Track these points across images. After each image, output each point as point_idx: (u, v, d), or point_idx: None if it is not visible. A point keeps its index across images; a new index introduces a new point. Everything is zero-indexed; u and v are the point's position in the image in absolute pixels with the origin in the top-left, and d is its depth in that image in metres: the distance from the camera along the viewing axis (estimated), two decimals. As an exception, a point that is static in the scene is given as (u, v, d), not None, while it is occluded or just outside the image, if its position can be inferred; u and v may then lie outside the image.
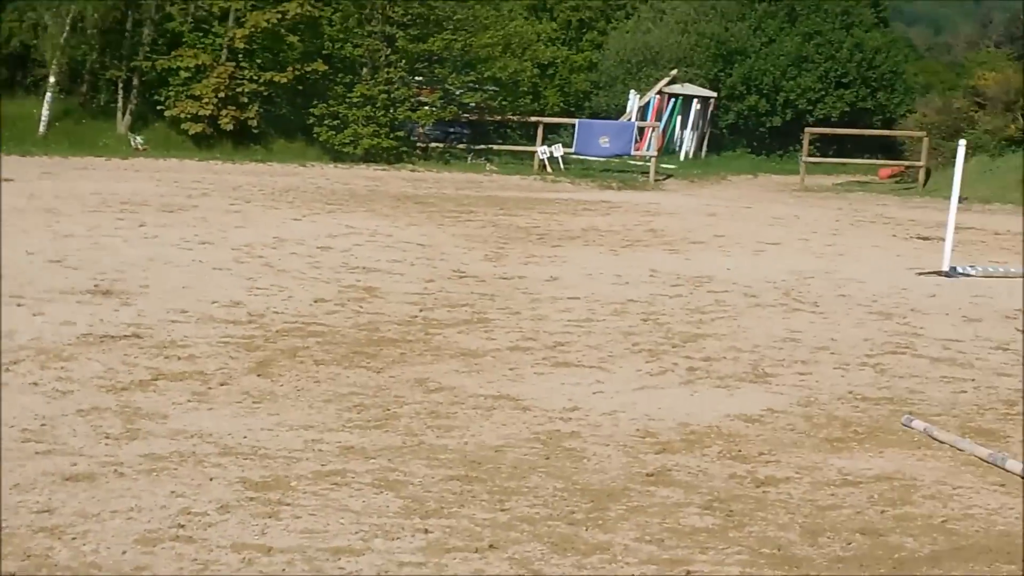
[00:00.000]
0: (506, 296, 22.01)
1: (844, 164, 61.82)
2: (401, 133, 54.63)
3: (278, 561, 9.23)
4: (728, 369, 17.02)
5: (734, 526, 10.91)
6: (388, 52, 55.05)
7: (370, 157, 52.85)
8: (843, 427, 14.31)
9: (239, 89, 51.85)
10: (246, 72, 52.17)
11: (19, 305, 18.24)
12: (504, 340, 18.29)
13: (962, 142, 29.93)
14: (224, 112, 51.60)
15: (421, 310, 20.36)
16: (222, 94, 51.40)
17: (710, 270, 25.91)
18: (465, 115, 57.80)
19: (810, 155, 58.12)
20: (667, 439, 13.54)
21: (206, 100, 51.16)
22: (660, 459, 12.82)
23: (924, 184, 54.90)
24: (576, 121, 58.60)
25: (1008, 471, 12.69)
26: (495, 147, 58.61)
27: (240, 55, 52.59)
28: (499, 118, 58.91)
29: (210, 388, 14.56)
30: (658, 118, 61.99)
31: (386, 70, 54.67)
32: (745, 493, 11.87)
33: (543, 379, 16.02)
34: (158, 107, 52.16)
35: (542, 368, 16.65)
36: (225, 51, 52.40)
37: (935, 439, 13.81)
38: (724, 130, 65.74)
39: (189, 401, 13.93)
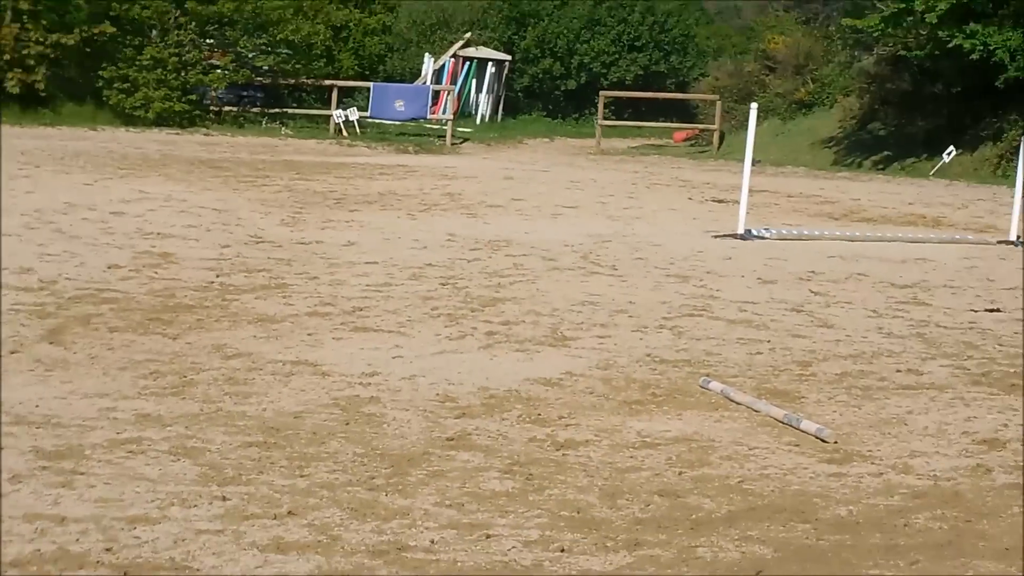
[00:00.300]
0: (303, 261, 21.92)
1: (639, 127, 62.42)
2: (193, 97, 54.01)
3: (72, 531, 9.10)
4: (527, 333, 17.12)
5: (534, 489, 10.98)
6: (177, 14, 54.36)
7: (162, 121, 52.23)
8: (642, 389, 14.47)
9: (25, 51, 50.82)
10: (32, 34, 51.13)
11: None
12: (302, 305, 18.21)
13: (754, 105, 30.34)
14: (10, 75, 50.60)
15: (218, 276, 20.19)
16: (7, 56, 50.39)
17: (508, 234, 26.03)
18: (258, 79, 57.34)
19: (605, 118, 58.62)
20: (467, 403, 13.58)
21: (-9, 62, 50.20)
22: (460, 423, 12.86)
23: (718, 147, 55.61)
24: (371, 85, 58.42)
25: (803, 431, 12.93)
26: (290, 111, 58.20)
27: (25, 16, 51.52)
28: (293, 82, 58.51)
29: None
30: (453, 81, 62.01)
31: (176, 32, 54.02)
32: (545, 456, 11.95)
33: (342, 344, 15.99)
34: (-60, 70, 51.01)
35: (341, 333, 16.61)
36: (9, 12, 51.32)
37: (732, 400, 14.03)
38: (519, 93, 65.95)
39: (-22, 371, 13.68)
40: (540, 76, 65.29)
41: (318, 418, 12.66)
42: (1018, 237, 28.38)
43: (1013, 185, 30.34)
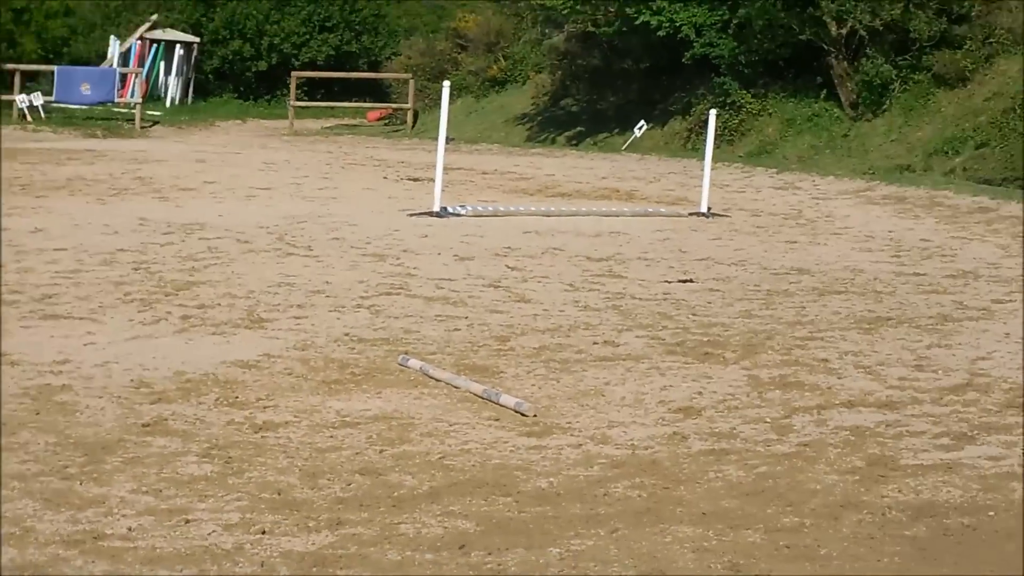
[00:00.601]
0: (-11, 249, 21.37)
1: (332, 107, 62.13)
2: None
3: None
4: (223, 316, 16.95)
5: (233, 472, 10.90)
6: None
7: None
8: (340, 369, 14.45)
9: None
10: None
11: None
12: (-12, 295, 17.76)
13: (446, 83, 30.48)
14: None
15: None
16: None
17: (202, 217, 25.74)
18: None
19: (298, 99, 58.24)
20: (162, 388, 13.40)
21: None
22: (156, 409, 12.67)
23: (412, 126, 55.75)
24: (55, 68, 57.11)
25: (502, 406, 13.05)
26: (-31, 97, 56.65)
27: None
28: (-29, 67, 56.96)
29: None
30: (141, 64, 61.04)
31: None
32: (244, 439, 11.86)
33: (31, 332, 15.61)
34: None
35: (29, 321, 16.22)
36: None
37: (431, 377, 14.09)
38: (210, 75, 65.14)
39: None
40: (230, 58, 64.57)
41: (8, 408, 12.35)
42: (708, 209, 29.01)
43: (702, 158, 31.00)
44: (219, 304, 17.67)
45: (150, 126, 52.78)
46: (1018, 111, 36.72)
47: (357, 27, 66.89)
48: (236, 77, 65.43)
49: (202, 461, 11.18)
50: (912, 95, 40.81)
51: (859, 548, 9.61)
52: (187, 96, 62.99)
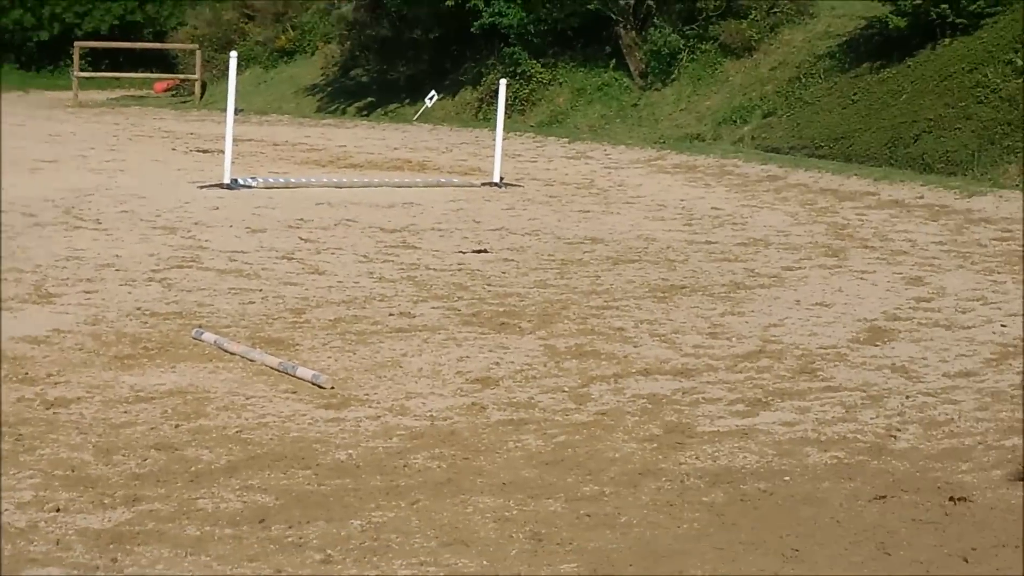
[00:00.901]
0: None
1: (118, 78, 61.36)
2: None
3: None
4: (10, 291, 16.61)
5: (25, 450, 10.73)
6: None
7: None
8: (133, 344, 14.27)
9: None
10: None
11: None
12: None
13: (233, 54, 30.17)
14: None
15: None
16: None
17: (-15, 191, 25.21)
18: None
19: (82, 70, 57.39)
20: (-55, 367, 13.18)
21: None
22: (-59, 389, 12.48)
23: (200, 97, 55.26)
24: None
25: (299, 378, 13.01)
26: None
27: None
28: None
29: None
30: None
31: None
32: (35, 416, 11.67)
33: None
34: None
35: None
36: None
37: (226, 351, 13.98)
38: (-10, 45, 64.09)
39: None
40: (10, 27, 63.43)
41: None
42: (501, 179, 29.11)
43: (494, 128, 31.09)
44: (6, 279, 17.31)
45: (-74, 97, 51.66)
46: (803, 80, 37.37)
47: (140, -4, 66.15)
48: (17, 47, 64.27)
49: (-8, 439, 11.02)
50: (700, 64, 41.33)
51: (658, 515, 9.73)
52: (-35, 67, 61.90)
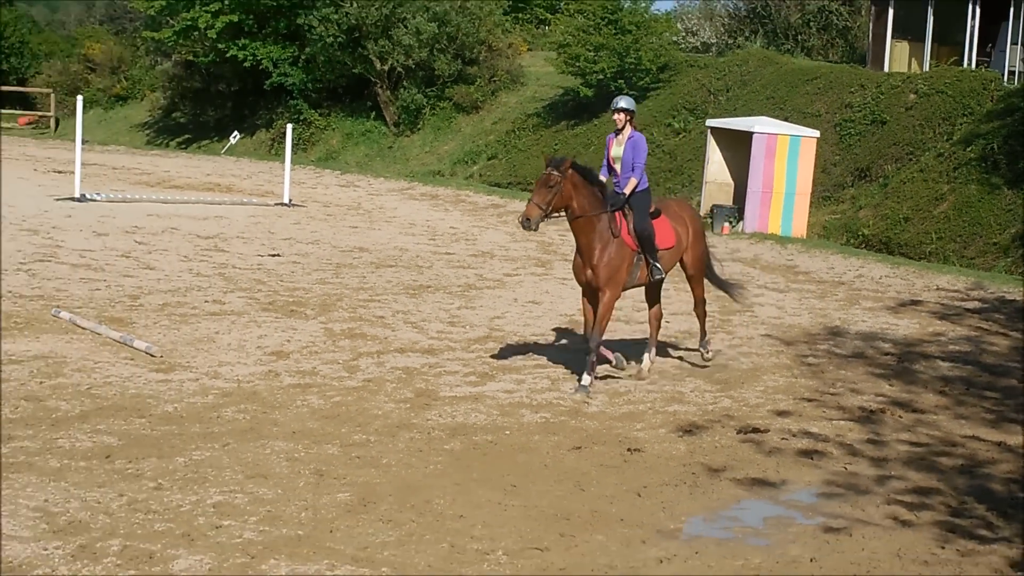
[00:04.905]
0: None
1: (-13, 114, 59.27)
2: None
3: None
4: (-96, 276, 16.04)
5: (-80, 401, 10.41)
6: None
7: None
8: (6, 319, 13.82)
9: None
10: None
11: None
12: None
13: (80, 97, 29.70)
14: None
15: None
16: None
17: None
18: None
19: (-41, 106, 55.37)
20: None
21: None
22: None
23: (55, 130, 53.66)
24: None
25: (136, 348, 12.78)
26: None
27: None
28: None
29: None
30: None
31: None
32: (-73, 375, 11.32)
33: None
34: None
35: None
36: None
37: (79, 326, 13.67)
38: None
39: None
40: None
41: None
42: (289, 200, 28.79)
43: (283, 161, 30.72)
44: (-99, 267, 16.71)
45: None
46: (517, 132, 37.67)
47: (6, 51, 63.85)
48: (-97, 88, 61.75)
49: None
50: (439, 118, 41.34)
51: (411, 458, 9.80)
52: None
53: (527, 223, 11.72)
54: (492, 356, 13.55)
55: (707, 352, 13.55)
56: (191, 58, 48.32)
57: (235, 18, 43.56)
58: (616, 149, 12.69)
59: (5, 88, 61.10)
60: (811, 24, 39.48)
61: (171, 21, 45.95)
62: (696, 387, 12.70)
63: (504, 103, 40.43)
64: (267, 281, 17.73)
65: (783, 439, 10.83)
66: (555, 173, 11.84)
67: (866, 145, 28.18)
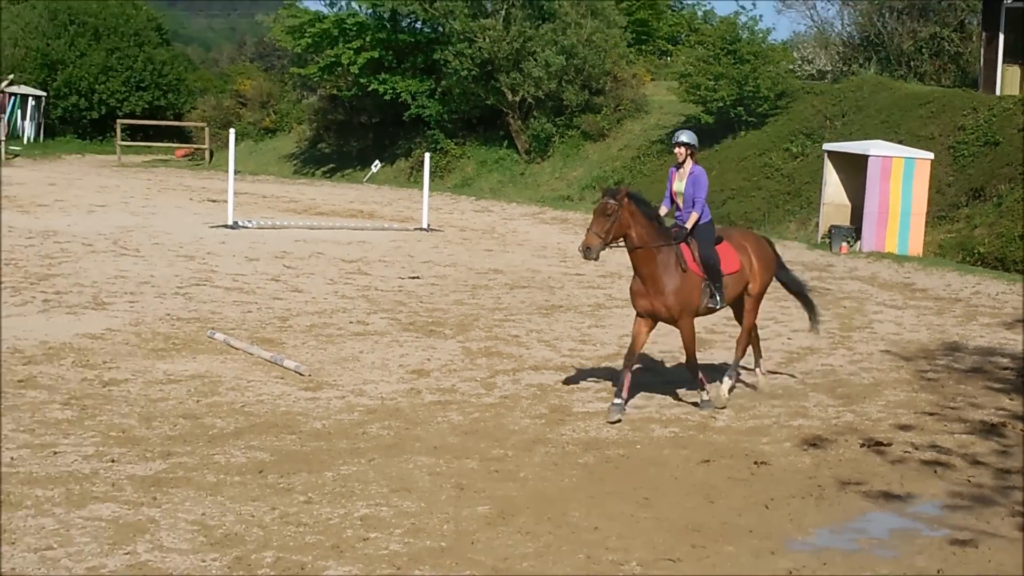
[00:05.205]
0: None
1: (150, 146, 60.46)
2: None
3: None
4: (75, 300, 16.33)
5: (88, 417, 10.55)
6: None
7: None
8: (165, 340, 14.05)
9: None
10: None
11: None
12: None
13: (232, 130, 30.18)
14: None
15: None
16: None
17: (55, 226, 24.77)
18: None
19: (123, 140, 56.55)
20: (31, 354, 12.86)
21: None
22: (27, 369, 12.18)
23: (209, 161, 54.59)
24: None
25: (286, 368, 12.86)
26: None
27: None
28: None
29: None
30: (2, 111, 58.45)
31: None
32: (95, 392, 11.47)
33: (-74, 312, 14.84)
34: None
35: (-76, 304, 15.41)
36: None
37: (232, 347, 13.80)
38: (56, 121, 62.80)
39: None
40: (70, 108, 62.34)
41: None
42: (428, 225, 28.95)
43: (422, 188, 30.92)
44: (71, 291, 17.02)
45: (12, 158, 50.39)
46: (641, 158, 37.50)
47: (164, 88, 65.14)
48: (75, 122, 63.13)
49: (64, 408, 10.79)
50: (568, 145, 41.32)
51: (547, 472, 9.69)
52: (39, 136, 60.58)
53: (588, 252, 11.29)
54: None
55: (762, 372, 12.78)
56: (335, 92, 49.01)
57: (376, 54, 44.06)
58: (678, 184, 12.12)
59: (163, 123, 62.47)
60: (923, 50, 38.74)
61: (316, 58, 46.59)
62: (819, 402, 12.43)
63: (629, 131, 40.27)
64: (408, 302, 17.78)
65: (906, 452, 10.54)
66: (612, 202, 11.40)
67: (979, 166, 27.50)
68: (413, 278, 20.34)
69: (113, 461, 9.31)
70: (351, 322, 15.95)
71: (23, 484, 8.62)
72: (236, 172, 29.63)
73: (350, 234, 27.02)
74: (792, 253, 25.87)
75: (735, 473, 9.81)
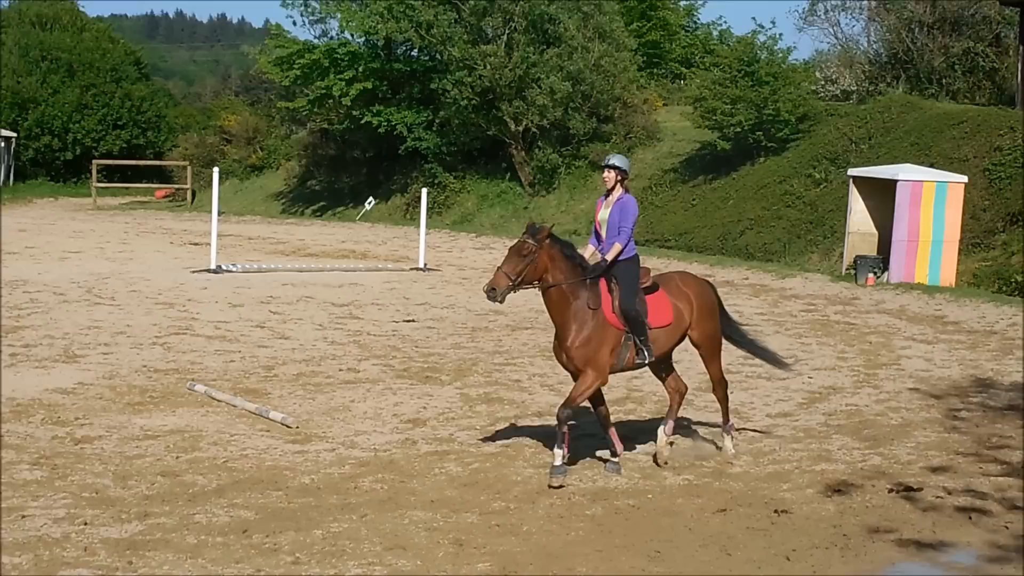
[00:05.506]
0: None
1: (128, 188, 60.76)
2: None
3: None
4: (45, 353, 16.39)
5: (59, 476, 10.58)
6: None
7: None
8: (142, 393, 14.09)
9: None
10: None
11: None
12: None
13: (216, 169, 30.45)
14: None
15: None
16: None
17: (25, 275, 24.86)
18: None
19: (99, 181, 56.84)
20: (-2, 412, 12.95)
21: None
22: (-9, 429, 12.25)
23: (192, 202, 54.85)
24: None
25: (272, 420, 12.89)
26: None
27: None
28: None
29: None
30: (-31, 155, 58.86)
31: None
32: (66, 450, 11.51)
33: None
34: None
35: None
36: None
37: (214, 399, 13.84)
38: (26, 163, 63.12)
39: None
40: (42, 149, 62.65)
41: None
42: (425, 265, 29.06)
43: (418, 225, 31.07)
44: (40, 343, 17.07)
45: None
46: (654, 188, 37.61)
47: (143, 125, 65.48)
48: (48, 164, 63.45)
49: (33, 468, 10.82)
50: (575, 176, 41.51)
51: (552, 525, 9.71)
52: (8, 179, 60.89)
53: (492, 293, 10.96)
54: (632, 417, 13.42)
55: (730, 440, 12.03)
56: (326, 126, 49.34)
57: (369, 85, 44.33)
58: (603, 212, 11.57)
59: (142, 162, 62.76)
60: (956, 67, 38.88)
61: (306, 90, 46.87)
62: (843, 444, 12.43)
63: (640, 159, 40.43)
64: (402, 347, 17.82)
65: (939, 497, 10.53)
66: (530, 242, 10.93)
67: (1017, 189, 27.54)
68: (408, 321, 20.39)
69: (86, 524, 9.33)
70: (341, 369, 16.00)
71: (-12, 550, 8.64)
72: (220, 213, 29.81)
73: (341, 276, 27.10)
74: (814, 286, 25.96)
75: (754, 523, 9.81)
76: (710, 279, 26.76)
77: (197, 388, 14.28)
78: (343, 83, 44.09)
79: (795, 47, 70.40)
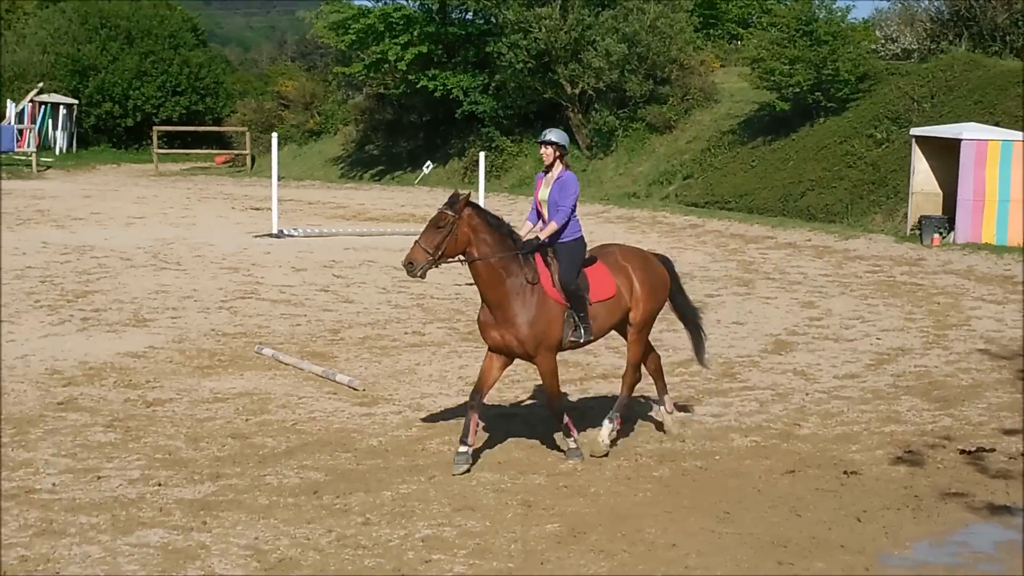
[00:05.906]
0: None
1: (188, 154, 61.07)
2: None
3: None
4: (114, 317, 16.55)
5: (132, 439, 10.70)
6: None
7: None
8: (210, 357, 14.20)
9: None
10: None
11: None
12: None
13: (275, 134, 30.48)
14: None
15: None
16: None
17: (91, 240, 25.09)
18: None
19: (160, 148, 57.21)
20: (71, 375, 13.07)
21: None
22: (67, 391, 12.36)
23: (251, 167, 55.05)
24: (-38, 127, 54.97)
25: (338, 383, 12.96)
26: None
27: None
28: None
29: None
30: (33, 121, 59.17)
31: None
32: (138, 412, 11.63)
33: (-41, 334, 15.08)
34: None
35: (-43, 325, 15.67)
36: None
37: (281, 362, 13.93)
38: (89, 129, 63.53)
39: None
40: (103, 116, 62.99)
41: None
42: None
43: (477, 189, 31.00)
44: (110, 308, 17.24)
45: (45, 170, 51.08)
46: (712, 150, 37.42)
47: (202, 91, 65.70)
48: (109, 131, 63.79)
49: (107, 430, 10.95)
50: (632, 139, 41.31)
51: (619, 487, 9.71)
52: (72, 146, 61.26)
53: (410, 268, 10.40)
54: (697, 379, 13.39)
55: (667, 409, 11.35)
56: (382, 91, 49.32)
57: (424, 49, 44.24)
58: (543, 190, 10.87)
59: (202, 128, 63.06)
60: (1020, 23, 38.31)
61: (361, 55, 46.86)
62: (913, 406, 12.34)
63: (698, 121, 40.19)
64: (465, 310, 17.83)
65: (1011, 459, 10.44)
66: (448, 213, 10.32)
67: (1084, 146, 27.18)
68: (471, 284, 20.33)
69: (160, 485, 9.43)
70: (406, 333, 16.05)
71: (67, 511, 8.75)
72: (279, 178, 29.89)
73: (402, 240, 27.10)
74: (879, 247, 25.74)
75: (823, 484, 9.77)
76: (773, 240, 26.74)
77: (265, 351, 14.37)
78: (398, 47, 44.07)
79: (854, 6, 69.72)
